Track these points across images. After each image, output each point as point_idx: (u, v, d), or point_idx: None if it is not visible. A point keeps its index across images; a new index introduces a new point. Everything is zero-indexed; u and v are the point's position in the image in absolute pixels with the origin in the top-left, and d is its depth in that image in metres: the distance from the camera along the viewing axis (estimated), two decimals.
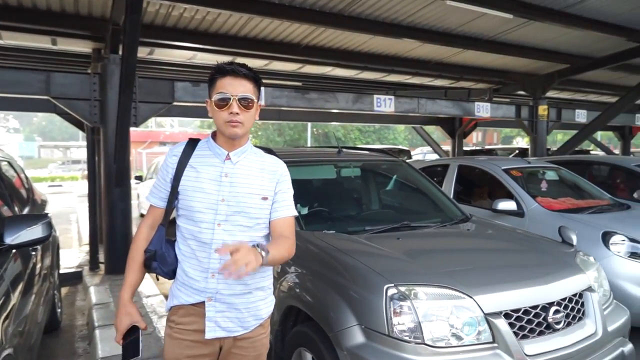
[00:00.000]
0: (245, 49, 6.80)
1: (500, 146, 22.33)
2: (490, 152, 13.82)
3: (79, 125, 6.09)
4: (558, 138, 39.32)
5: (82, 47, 6.33)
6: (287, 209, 1.71)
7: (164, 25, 6.03)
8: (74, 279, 5.45)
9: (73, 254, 6.43)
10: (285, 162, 3.12)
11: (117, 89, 4.82)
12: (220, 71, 1.58)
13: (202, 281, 1.59)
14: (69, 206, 12.93)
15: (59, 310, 4.15)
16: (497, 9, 5.65)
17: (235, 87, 1.55)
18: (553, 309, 2.06)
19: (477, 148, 16.34)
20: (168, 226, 1.70)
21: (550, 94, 10.58)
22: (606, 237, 3.77)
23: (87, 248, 6.57)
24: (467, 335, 1.90)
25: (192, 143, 1.70)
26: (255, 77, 1.61)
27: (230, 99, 1.54)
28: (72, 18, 5.54)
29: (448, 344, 1.88)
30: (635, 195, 5.43)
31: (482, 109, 8.55)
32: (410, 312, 1.91)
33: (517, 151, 13.51)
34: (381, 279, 2.03)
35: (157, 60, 7.41)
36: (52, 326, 3.93)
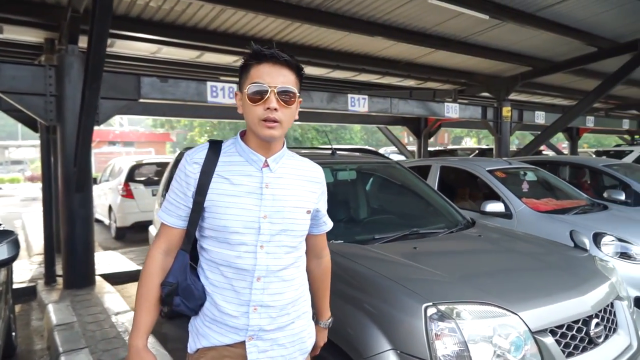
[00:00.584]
0: (214, 43, 6.42)
1: (461, 146, 22.94)
2: (452, 152, 14.07)
3: (29, 123, 5.48)
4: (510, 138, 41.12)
5: (33, 36, 5.72)
6: (328, 222, 1.55)
7: (126, 15, 5.55)
8: (27, 295, 4.88)
9: (23, 265, 5.78)
10: None
11: (76, 84, 4.36)
12: (257, 56, 1.29)
13: (242, 317, 1.31)
14: (11, 211, 11.87)
15: (14, 333, 3.65)
16: (474, 9, 5.65)
17: (274, 77, 1.26)
18: (594, 321, 1.94)
19: (440, 148, 16.62)
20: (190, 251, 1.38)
21: (511, 96, 10.91)
22: (597, 238, 3.78)
23: (39, 259, 5.97)
24: (514, 357, 1.74)
25: (215, 146, 1.38)
26: (298, 66, 1.33)
27: (267, 91, 1.25)
28: (22, 4, 4.95)
29: None
30: (605, 194, 5.57)
31: (451, 110, 8.62)
32: (455, 333, 1.72)
33: (477, 151, 13.84)
34: (417, 297, 1.82)
35: (118, 53, 6.85)
36: (7, 353, 3.44)
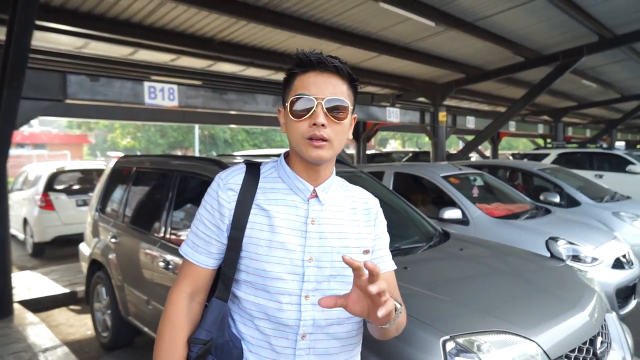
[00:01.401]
0: (149, 39, 5.87)
1: (396, 150, 23.57)
2: (388, 155, 14.35)
3: None
4: (425, 140, 43.27)
5: None
6: (389, 260, 1.22)
7: (48, 5, 4.85)
8: None
9: None
10: None
11: None
12: (302, 63, 1.08)
13: None
14: None
15: None
16: (422, 15, 5.71)
17: (322, 88, 1.05)
18: (599, 340, 1.90)
19: (375, 152, 16.92)
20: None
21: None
22: (549, 242, 3.90)
23: None
24: None
25: (253, 170, 1.15)
26: (352, 76, 1.11)
27: (314, 104, 1.03)
28: None
29: None
30: (541, 197, 5.87)
31: (393, 115, 8.73)
32: None
33: (410, 154, 14.25)
34: (432, 329, 1.65)
35: (38, 47, 6.02)
36: None
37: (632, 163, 9.54)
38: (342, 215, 1.14)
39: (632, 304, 4.00)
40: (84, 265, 4.28)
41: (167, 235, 2.98)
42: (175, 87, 5.29)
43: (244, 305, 1.10)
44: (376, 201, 1.25)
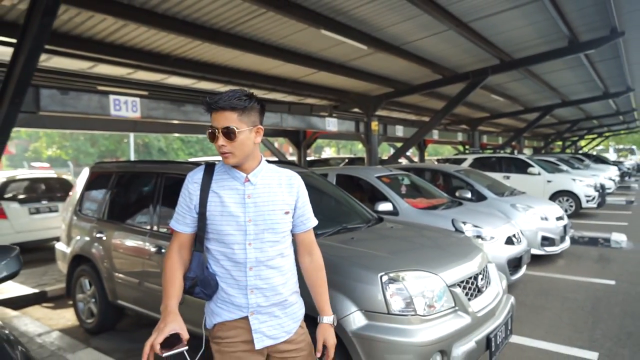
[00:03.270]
0: (109, 55, 6.29)
1: (333, 156, 24.61)
2: (326, 161, 15.33)
3: None
4: (358, 147, 45.21)
5: None
6: (310, 220, 1.84)
7: (16, 22, 5.19)
8: None
9: None
10: None
11: None
12: (208, 107, 1.63)
13: (242, 298, 1.67)
14: None
15: None
16: (356, 40, 6.66)
17: (218, 121, 1.59)
18: (479, 277, 2.85)
19: (315, 158, 17.84)
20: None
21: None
22: (454, 220, 4.95)
23: None
24: (438, 303, 2.52)
25: (210, 169, 1.74)
26: (237, 106, 1.59)
27: (216, 131, 1.60)
28: None
29: (430, 312, 2.45)
30: (457, 194, 7.04)
31: (331, 124, 9.69)
32: (403, 291, 2.43)
33: (347, 160, 15.35)
34: (374, 270, 2.50)
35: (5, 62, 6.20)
36: None
37: (532, 166, 11.26)
38: (270, 189, 1.71)
39: (521, 272, 5.18)
40: (61, 264, 4.69)
41: (157, 227, 3.59)
42: (137, 99, 5.80)
43: (212, 254, 1.71)
44: (298, 177, 1.81)
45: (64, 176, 8.41)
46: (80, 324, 4.38)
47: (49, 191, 7.78)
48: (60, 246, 4.72)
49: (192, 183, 1.70)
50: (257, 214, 1.66)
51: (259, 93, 9.80)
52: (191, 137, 38.69)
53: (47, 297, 5.29)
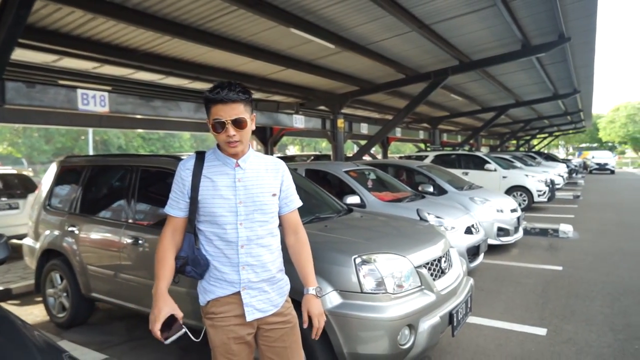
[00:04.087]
0: (75, 48, 6.20)
1: (299, 153, 24.68)
2: (292, 158, 15.46)
3: None
4: (322, 145, 45.66)
5: None
6: (294, 201, 1.99)
7: None
8: None
9: None
10: None
11: None
12: (211, 100, 1.73)
13: (235, 274, 1.81)
14: None
15: None
16: (323, 39, 6.86)
17: (227, 112, 1.70)
18: (443, 260, 3.12)
19: (281, 155, 17.91)
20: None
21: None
22: (418, 210, 5.24)
23: None
24: (406, 283, 2.75)
25: (200, 156, 1.87)
26: (244, 98, 1.74)
27: (225, 123, 1.71)
28: None
29: (399, 291, 2.68)
30: (419, 188, 7.38)
31: (298, 121, 9.85)
32: (374, 272, 2.65)
33: (312, 157, 15.55)
34: (348, 253, 2.70)
35: None
36: None
37: (488, 162, 11.85)
38: (258, 173, 1.85)
39: (479, 259, 5.55)
40: (29, 260, 4.63)
41: (132, 219, 3.65)
42: (106, 94, 5.76)
43: (206, 235, 1.84)
44: (283, 163, 1.97)
45: (24, 172, 8.15)
46: (51, 319, 4.35)
47: (8, 188, 7.53)
48: (27, 242, 4.66)
49: (185, 170, 1.83)
50: (247, 196, 1.80)
51: None
52: (152, 135, 37.83)
53: (12, 294, 5.19)
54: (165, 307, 1.72)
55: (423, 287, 2.81)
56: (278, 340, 1.89)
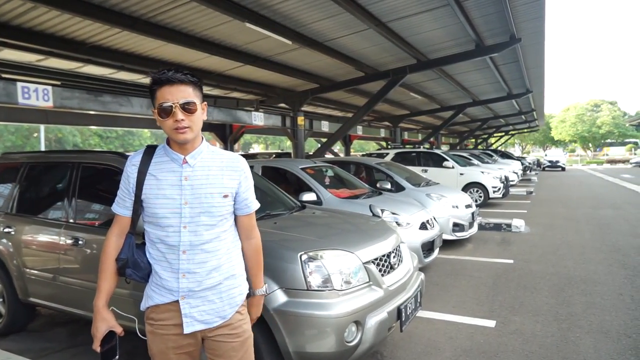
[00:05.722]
0: (13, 39, 5.84)
1: (262, 151, 24.44)
2: (253, 156, 15.28)
3: None
4: (287, 144, 45.48)
5: None
6: (251, 204, 1.82)
7: None
8: None
9: None
10: None
11: None
12: (156, 82, 1.58)
13: (174, 281, 1.66)
14: None
15: None
16: (280, 34, 6.79)
17: (175, 94, 1.55)
18: (392, 255, 3.12)
19: (242, 153, 17.66)
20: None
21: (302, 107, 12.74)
22: (371, 206, 5.27)
23: None
24: (354, 279, 2.73)
25: (150, 151, 1.72)
26: (194, 80, 1.62)
27: (172, 107, 1.55)
28: None
29: (346, 287, 2.66)
30: (377, 185, 7.44)
31: (257, 118, 9.73)
32: (321, 269, 2.61)
33: (274, 155, 15.43)
34: (295, 250, 2.65)
35: None
36: None
37: (447, 160, 12.13)
38: (209, 172, 1.67)
39: (433, 255, 5.64)
40: None
41: (72, 218, 3.47)
42: (49, 87, 5.47)
43: (149, 236, 1.70)
44: (243, 161, 1.78)
45: None
46: None
47: None
48: None
49: (131, 166, 1.69)
50: (194, 197, 1.64)
51: None
52: (110, 132, 36.50)
53: None
54: (102, 325, 1.66)
55: (371, 283, 2.80)
56: (224, 355, 1.73)
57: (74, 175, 3.58)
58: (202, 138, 1.72)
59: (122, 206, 1.73)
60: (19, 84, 5.11)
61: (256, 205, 1.86)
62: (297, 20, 6.58)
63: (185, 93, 1.57)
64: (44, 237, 3.59)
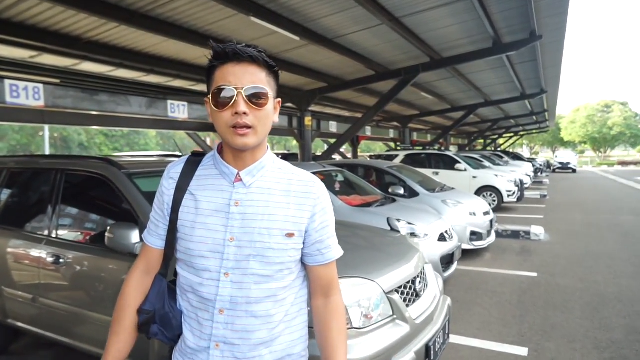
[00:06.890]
0: (2, 34, 5.47)
1: None
2: None
3: None
4: (293, 144, 45.10)
5: None
6: (331, 249, 1.26)
7: None
8: None
9: None
10: (133, 172, 2.88)
11: None
12: (219, 56, 1.11)
13: (202, 352, 1.17)
14: None
15: None
16: (288, 30, 6.39)
17: (241, 78, 1.09)
18: (417, 280, 2.70)
19: None
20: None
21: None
22: (389, 219, 4.86)
23: None
24: (375, 313, 2.32)
25: (194, 159, 1.25)
26: (269, 63, 1.15)
27: (234, 93, 1.08)
28: None
29: (366, 324, 2.25)
30: (390, 190, 7.02)
31: None
32: None
33: (280, 156, 15.02)
34: None
35: None
36: None
37: (459, 162, 11.67)
38: (270, 197, 1.16)
39: (453, 268, 5.21)
40: None
41: (54, 233, 3.08)
42: (40, 85, 5.10)
43: (180, 281, 1.22)
44: (320, 185, 1.24)
45: None
46: None
47: None
48: None
49: (168, 178, 1.23)
50: (244, 232, 1.13)
51: (186, 84, 9.19)
52: (116, 132, 36.28)
53: None
54: None
55: (395, 316, 2.38)
56: None
57: (56, 183, 3.19)
58: (267, 148, 1.23)
59: (153, 234, 1.26)
60: (7, 82, 4.75)
61: (338, 251, 1.29)
62: (306, 14, 6.17)
63: (256, 77, 1.10)
64: (23, 253, 3.20)
